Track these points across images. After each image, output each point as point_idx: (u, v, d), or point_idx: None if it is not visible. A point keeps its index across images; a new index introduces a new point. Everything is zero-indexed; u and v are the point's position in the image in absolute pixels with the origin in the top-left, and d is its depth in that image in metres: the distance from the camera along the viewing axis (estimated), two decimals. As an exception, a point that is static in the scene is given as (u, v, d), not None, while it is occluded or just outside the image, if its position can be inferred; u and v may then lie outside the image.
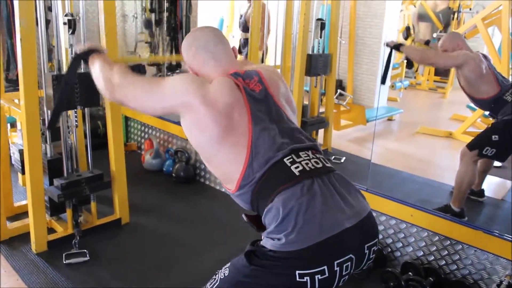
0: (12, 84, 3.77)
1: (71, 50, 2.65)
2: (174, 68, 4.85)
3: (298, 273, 1.24)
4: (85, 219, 2.99)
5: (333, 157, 4.35)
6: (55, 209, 2.85)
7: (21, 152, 2.81)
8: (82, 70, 2.64)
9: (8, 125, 3.11)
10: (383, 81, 3.39)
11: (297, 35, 4.01)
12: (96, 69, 1.66)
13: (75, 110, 2.80)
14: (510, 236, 2.25)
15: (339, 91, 5.52)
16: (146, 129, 4.43)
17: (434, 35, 6.75)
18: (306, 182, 1.31)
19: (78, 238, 2.73)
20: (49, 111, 2.74)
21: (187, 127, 1.43)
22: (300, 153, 1.38)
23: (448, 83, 6.71)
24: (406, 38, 7.63)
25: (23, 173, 2.84)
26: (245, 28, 5.58)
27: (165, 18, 4.78)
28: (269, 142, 1.37)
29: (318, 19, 4.21)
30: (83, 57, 1.76)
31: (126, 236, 2.98)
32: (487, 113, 3.59)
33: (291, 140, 1.41)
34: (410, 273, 2.49)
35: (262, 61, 4.80)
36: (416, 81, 7.67)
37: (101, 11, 2.75)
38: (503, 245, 2.23)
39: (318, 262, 1.24)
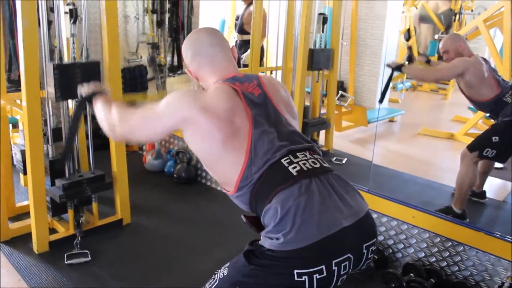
0: (14, 85, 3.77)
1: (72, 40, 2.65)
2: (176, 69, 4.85)
3: (297, 272, 1.24)
4: (86, 219, 2.99)
5: (335, 158, 4.36)
6: (56, 209, 2.85)
7: (23, 152, 2.81)
8: (84, 60, 2.67)
9: (10, 125, 3.11)
10: (381, 101, 3.41)
11: (299, 37, 4.01)
12: (99, 111, 1.68)
13: (76, 100, 2.78)
14: (512, 238, 2.25)
15: (340, 92, 5.53)
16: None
17: (436, 36, 6.77)
18: (304, 182, 1.32)
19: (79, 238, 2.74)
20: (51, 112, 2.75)
21: (190, 138, 1.43)
22: (298, 154, 1.39)
23: (449, 85, 6.70)
24: (407, 40, 7.63)
25: (25, 173, 2.84)
26: (241, 30, 5.45)
27: (166, 19, 4.79)
28: (268, 145, 1.38)
29: (320, 14, 4.20)
30: (88, 99, 1.76)
31: (127, 237, 2.98)
32: (488, 115, 3.59)
33: (289, 143, 1.42)
34: (411, 274, 2.49)
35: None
36: (417, 83, 7.67)
37: (103, 12, 2.76)
38: (504, 247, 2.23)
39: (316, 261, 1.25)
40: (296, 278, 1.24)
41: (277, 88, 1.57)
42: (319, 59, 4.17)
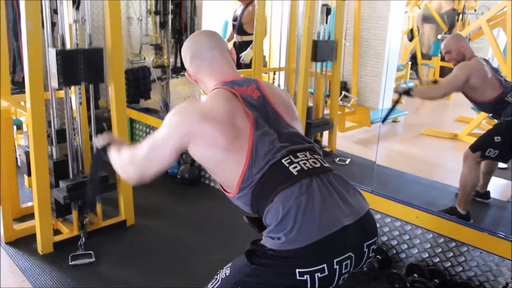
0: (18, 87, 3.79)
1: (75, 26, 2.65)
2: (179, 70, 4.86)
3: (298, 272, 1.25)
4: (90, 220, 3.00)
5: (338, 158, 4.36)
6: (61, 210, 2.86)
7: (27, 154, 2.82)
8: (87, 46, 2.68)
9: (14, 127, 3.12)
10: (383, 121, 3.41)
11: (302, 38, 4.01)
12: (113, 159, 1.65)
13: (79, 86, 2.78)
14: (516, 238, 2.25)
15: (343, 92, 5.52)
16: (151, 131, 4.44)
17: (439, 36, 6.76)
18: (305, 181, 1.33)
19: (83, 239, 2.75)
20: (55, 114, 2.76)
21: (194, 150, 1.43)
22: (298, 154, 1.40)
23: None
24: (410, 40, 7.62)
25: (29, 175, 2.85)
26: (241, 31, 5.32)
27: (170, 21, 4.80)
28: (269, 146, 1.39)
29: (324, 5, 4.19)
30: (103, 151, 1.76)
31: (131, 238, 2.99)
32: (490, 115, 3.59)
33: (289, 143, 1.43)
34: (415, 274, 2.49)
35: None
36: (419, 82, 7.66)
37: (106, 13, 2.77)
38: (508, 247, 2.22)
39: (317, 260, 1.26)
40: (298, 277, 1.25)
41: (276, 91, 1.59)
42: (323, 51, 4.15)
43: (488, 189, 3.40)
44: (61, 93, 2.85)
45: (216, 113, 1.41)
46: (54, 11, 2.79)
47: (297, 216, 1.27)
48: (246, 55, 4.81)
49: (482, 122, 4.95)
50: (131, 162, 1.53)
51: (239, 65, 4.87)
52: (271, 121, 1.47)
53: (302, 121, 4.07)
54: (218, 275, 1.41)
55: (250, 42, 4.93)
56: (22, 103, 2.95)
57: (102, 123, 4.26)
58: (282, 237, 1.27)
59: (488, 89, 3.02)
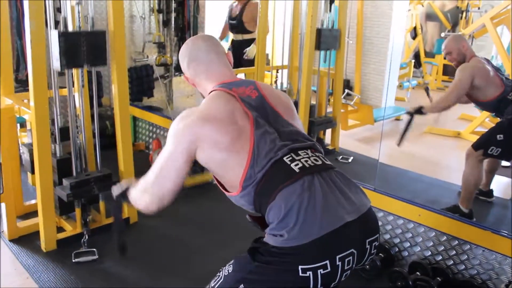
0: (22, 85, 3.80)
1: (78, 9, 2.64)
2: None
3: (301, 268, 1.25)
4: (93, 218, 3.01)
5: (341, 156, 4.36)
6: (64, 208, 2.87)
7: (31, 152, 2.83)
8: (90, 29, 2.68)
9: (18, 125, 3.13)
10: (399, 143, 3.38)
11: (305, 36, 4.01)
12: (133, 199, 1.61)
13: (82, 69, 2.78)
14: (519, 236, 2.24)
15: (346, 90, 5.52)
16: (154, 129, 4.45)
17: (442, 34, 6.75)
18: (306, 179, 1.34)
19: (87, 237, 2.76)
20: (58, 112, 2.77)
21: (200, 155, 1.43)
22: (299, 152, 1.41)
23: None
24: (413, 38, 7.61)
25: (32, 172, 2.86)
26: (243, 29, 5.16)
27: (173, 19, 4.80)
28: (270, 145, 1.40)
29: None
30: (122, 197, 1.72)
31: (134, 236, 3.00)
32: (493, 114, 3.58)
33: (290, 142, 1.43)
34: (417, 273, 2.48)
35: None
36: (424, 81, 7.65)
37: (109, 12, 2.77)
38: (511, 245, 2.22)
39: (320, 256, 1.26)
40: (300, 274, 1.25)
41: (275, 92, 1.60)
42: (326, 39, 4.13)
43: (491, 187, 3.40)
44: (65, 91, 2.86)
45: (216, 114, 1.42)
46: (58, 10, 2.80)
47: (299, 213, 1.27)
48: (250, 51, 4.79)
49: (485, 120, 4.94)
50: (146, 189, 1.50)
51: (241, 63, 4.86)
52: (271, 120, 1.47)
53: (305, 119, 4.07)
54: (221, 272, 1.42)
55: (251, 40, 4.92)
56: (26, 101, 2.96)
57: (105, 121, 4.29)
58: (284, 234, 1.27)
59: (491, 87, 3.02)
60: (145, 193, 1.51)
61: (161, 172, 1.46)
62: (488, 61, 3.10)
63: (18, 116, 2.92)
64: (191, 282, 2.50)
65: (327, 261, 1.26)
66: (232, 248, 2.74)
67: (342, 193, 1.36)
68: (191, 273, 2.61)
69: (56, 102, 2.75)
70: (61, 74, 2.88)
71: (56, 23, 2.69)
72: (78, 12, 2.65)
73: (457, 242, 2.42)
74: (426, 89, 3.35)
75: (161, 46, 4.89)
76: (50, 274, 2.53)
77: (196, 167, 1.66)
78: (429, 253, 2.54)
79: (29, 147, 2.87)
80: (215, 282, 1.42)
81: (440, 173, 4.20)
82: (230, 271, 1.39)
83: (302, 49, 4.08)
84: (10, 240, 2.83)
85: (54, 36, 2.51)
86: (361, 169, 4.14)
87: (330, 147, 4.51)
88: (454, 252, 2.44)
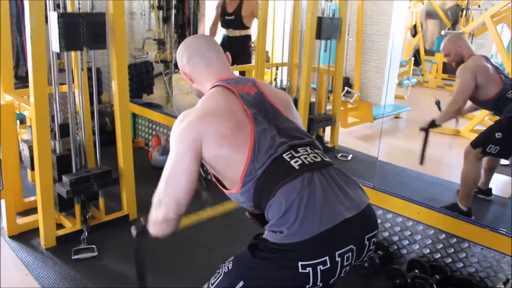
0: (21, 81, 3.80)
1: None
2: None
3: (301, 264, 1.26)
4: (93, 215, 3.01)
5: (340, 154, 4.36)
6: (63, 205, 2.88)
7: (30, 148, 2.84)
8: (91, 9, 2.65)
9: (17, 121, 3.13)
10: (421, 162, 3.37)
11: (305, 33, 4.01)
12: (152, 222, 1.59)
13: (81, 52, 2.77)
14: (517, 234, 2.25)
15: (346, 88, 5.53)
16: (154, 126, 4.45)
17: (442, 32, 6.75)
18: (306, 176, 1.34)
19: (86, 233, 2.76)
20: (58, 108, 2.77)
21: (204, 149, 1.41)
22: (299, 149, 1.42)
23: (456, 81, 6.69)
24: (414, 36, 7.61)
25: (32, 169, 2.86)
26: (241, 25, 4.97)
27: (173, 16, 4.80)
28: (270, 142, 1.40)
29: None
30: (142, 234, 1.71)
31: (133, 232, 3.00)
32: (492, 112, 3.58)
33: (289, 139, 1.44)
34: (416, 270, 2.49)
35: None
36: (423, 79, 7.66)
37: (109, 8, 2.77)
38: (510, 243, 2.23)
39: (319, 253, 1.27)
40: (300, 270, 1.26)
41: (274, 90, 1.60)
42: (327, 28, 4.07)
43: (490, 186, 3.40)
44: (65, 88, 2.86)
45: (215, 109, 1.43)
46: (57, 6, 2.79)
47: (299, 209, 1.28)
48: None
49: (485, 119, 4.94)
50: (160, 200, 1.47)
51: (240, 60, 4.84)
52: (270, 117, 1.48)
53: (305, 117, 4.07)
54: (221, 268, 1.42)
55: (248, 37, 4.91)
56: (25, 97, 2.96)
57: (105, 118, 4.29)
58: (284, 230, 1.28)
59: (491, 85, 3.02)
60: (160, 206, 1.47)
61: (171, 176, 1.44)
62: (487, 59, 3.10)
63: (17, 112, 2.92)
64: (191, 278, 2.51)
65: (327, 257, 1.27)
66: (236, 245, 2.73)
67: (341, 190, 1.37)
68: (191, 270, 2.61)
69: (56, 98, 2.74)
70: (61, 70, 2.89)
71: (57, 7, 2.67)
72: None
73: (455, 240, 2.43)
74: (437, 103, 3.34)
75: (161, 43, 4.89)
76: (49, 271, 2.54)
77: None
78: (428, 251, 2.55)
79: (29, 143, 2.87)
80: (215, 279, 1.42)
81: (439, 171, 4.21)
82: (230, 268, 1.39)
83: (302, 46, 4.07)
84: (10, 237, 2.84)
85: (53, 17, 2.48)
86: (360, 167, 4.14)
87: (329, 145, 4.51)
88: (452, 250, 2.45)
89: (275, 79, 4.71)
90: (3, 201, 2.82)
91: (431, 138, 3.36)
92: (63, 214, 2.98)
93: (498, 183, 3.62)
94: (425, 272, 2.46)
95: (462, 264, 2.42)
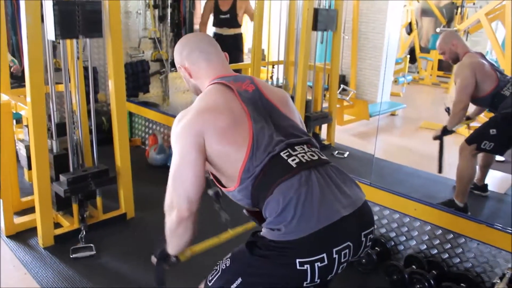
0: (17, 81, 3.79)
1: None
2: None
3: (298, 262, 1.27)
4: (91, 213, 3.01)
5: (337, 152, 4.37)
6: (61, 204, 2.87)
7: (27, 148, 2.83)
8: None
9: (14, 121, 3.12)
10: (440, 170, 3.37)
11: (300, 31, 4.01)
12: (172, 243, 1.63)
13: (77, 40, 2.74)
14: (513, 230, 2.27)
15: (342, 86, 5.53)
16: (150, 125, 4.45)
17: (437, 30, 6.76)
18: (304, 174, 1.35)
19: (84, 232, 2.76)
20: (55, 107, 2.77)
21: (206, 144, 1.41)
22: (296, 147, 1.43)
23: (451, 78, 6.71)
24: (409, 34, 7.63)
25: (29, 168, 2.86)
26: (235, 23, 4.99)
27: (168, 14, 4.80)
28: (268, 139, 1.41)
29: None
30: (163, 259, 1.72)
31: (131, 231, 3.00)
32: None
33: (286, 137, 1.45)
34: (413, 266, 2.50)
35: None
36: (419, 76, 7.69)
37: (105, 8, 2.76)
38: (505, 239, 2.24)
39: (317, 250, 1.28)
40: (298, 267, 1.27)
41: (272, 88, 1.61)
42: (323, 19, 4.08)
43: (486, 182, 3.42)
44: (61, 87, 2.86)
45: (215, 107, 1.43)
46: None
47: (297, 207, 1.29)
48: None
49: (480, 116, 4.95)
50: (171, 203, 1.46)
51: (236, 59, 4.84)
52: (268, 114, 1.48)
53: (301, 115, 4.07)
54: (218, 266, 1.43)
55: (241, 35, 4.91)
56: (22, 96, 2.95)
57: (101, 117, 4.29)
58: (282, 228, 1.29)
59: (487, 81, 3.04)
60: (172, 208, 1.45)
61: (177, 172, 1.43)
62: (483, 55, 3.12)
63: (14, 112, 2.91)
64: (189, 276, 2.51)
65: (324, 254, 1.28)
66: (234, 242, 2.74)
67: (338, 187, 1.38)
68: (189, 267, 2.61)
69: (53, 98, 2.74)
70: (57, 69, 2.88)
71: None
72: None
73: (452, 235, 2.45)
74: (447, 110, 3.34)
75: (157, 42, 4.89)
76: (48, 270, 2.54)
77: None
78: (425, 246, 2.57)
79: (26, 143, 2.87)
80: (212, 276, 1.43)
81: (435, 167, 4.22)
82: (227, 265, 1.40)
83: (298, 43, 4.07)
84: (8, 236, 2.83)
85: (48, 5, 2.46)
86: (356, 164, 4.15)
87: (326, 142, 4.52)
88: (449, 245, 2.46)
89: (271, 77, 4.72)
90: (0, 200, 2.81)
91: (426, 135, 3.37)
92: (61, 213, 2.98)
93: (494, 179, 3.64)
94: (422, 267, 2.47)
95: (459, 259, 2.44)
